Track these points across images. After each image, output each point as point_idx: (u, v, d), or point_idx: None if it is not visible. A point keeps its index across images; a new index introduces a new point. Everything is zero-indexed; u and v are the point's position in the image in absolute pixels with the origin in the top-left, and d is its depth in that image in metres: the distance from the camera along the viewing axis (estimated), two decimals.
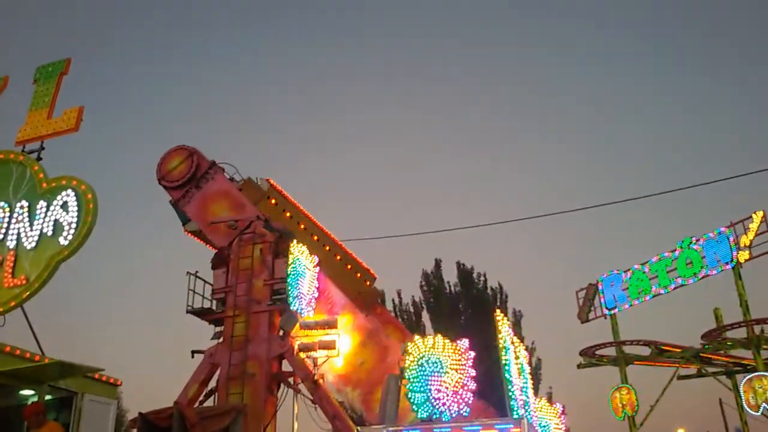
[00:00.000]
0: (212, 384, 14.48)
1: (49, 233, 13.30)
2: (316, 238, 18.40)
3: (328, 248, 18.89)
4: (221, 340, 14.72)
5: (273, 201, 17.18)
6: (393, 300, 34.03)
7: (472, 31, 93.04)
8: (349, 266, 20.07)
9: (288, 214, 17.56)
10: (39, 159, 14.68)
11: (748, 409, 21.97)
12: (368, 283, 20.71)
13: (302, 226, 17.93)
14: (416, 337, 13.07)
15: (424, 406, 12.08)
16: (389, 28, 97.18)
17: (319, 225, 18.81)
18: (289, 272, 14.64)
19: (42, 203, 13.67)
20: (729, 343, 23.72)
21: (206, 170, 16.58)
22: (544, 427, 16.08)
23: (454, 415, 11.98)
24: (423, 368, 12.35)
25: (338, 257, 19.61)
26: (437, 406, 12.01)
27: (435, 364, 12.39)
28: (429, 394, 12.15)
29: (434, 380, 12.27)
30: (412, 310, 33.97)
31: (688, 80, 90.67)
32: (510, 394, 13.65)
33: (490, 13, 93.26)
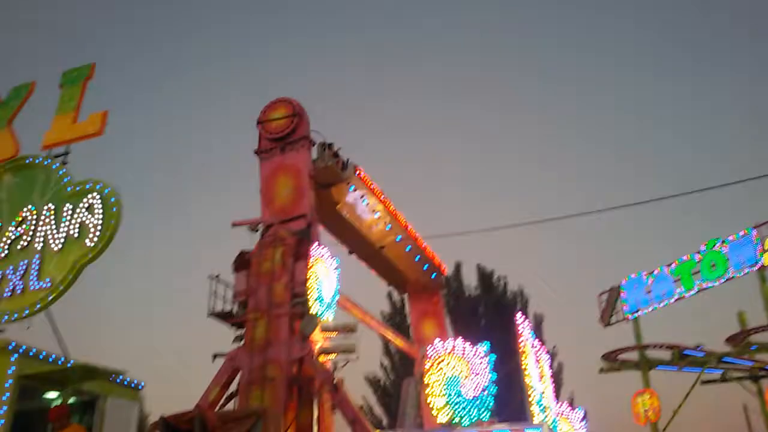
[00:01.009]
0: (233, 387, 14.57)
1: (75, 235, 13.44)
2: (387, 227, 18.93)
3: (398, 237, 19.56)
4: (242, 343, 14.80)
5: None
6: None
7: (499, 28, 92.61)
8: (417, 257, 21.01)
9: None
10: (65, 163, 14.85)
11: None
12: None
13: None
14: (436, 340, 13.08)
15: (444, 410, 12.08)
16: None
17: (397, 218, 19.39)
18: (309, 275, 14.68)
19: (68, 206, 13.82)
20: (753, 347, 23.39)
21: (298, 138, 16.74)
22: (566, 431, 15.99)
23: (474, 419, 11.97)
24: (443, 372, 12.35)
25: (407, 248, 20.22)
26: (457, 411, 12.01)
27: (454, 369, 12.39)
28: (449, 399, 12.15)
29: (454, 384, 12.27)
30: None
31: (712, 79, 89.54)
32: (531, 398, 13.60)
33: (523, 9, 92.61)
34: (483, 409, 12.16)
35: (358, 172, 17.21)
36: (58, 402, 11.81)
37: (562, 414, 16.25)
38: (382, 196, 18.46)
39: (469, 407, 12.18)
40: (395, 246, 20.09)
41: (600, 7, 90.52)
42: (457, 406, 12.19)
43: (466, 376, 12.39)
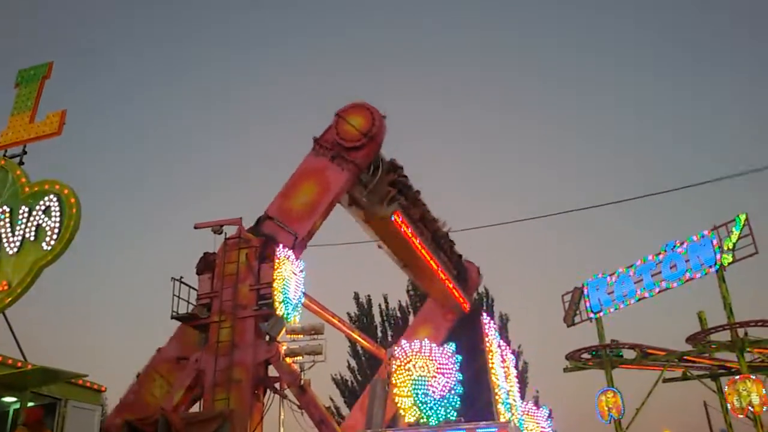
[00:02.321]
0: (198, 390, 14.37)
1: (32, 238, 13.14)
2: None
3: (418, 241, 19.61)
4: (207, 345, 14.61)
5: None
6: (380, 305, 33.97)
7: (470, 19, 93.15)
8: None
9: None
10: (21, 163, 14.51)
11: (732, 412, 22.12)
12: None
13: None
14: (403, 341, 13.05)
15: (411, 410, 12.06)
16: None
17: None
18: (275, 277, 14.55)
19: (24, 208, 13.50)
20: (713, 346, 23.89)
21: (351, 160, 16.17)
22: (531, 430, 16.10)
23: (441, 419, 11.97)
24: (410, 372, 12.33)
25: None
26: (424, 411, 12.00)
27: (422, 369, 12.38)
28: (416, 399, 12.14)
29: (421, 384, 12.26)
30: (399, 314, 33.90)
31: (675, 82, 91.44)
32: (497, 397, 13.66)
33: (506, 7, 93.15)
34: (450, 409, 12.16)
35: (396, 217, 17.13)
36: (17, 407, 11.53)
37: (528, 413, 16.36)
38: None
39: (436, 407, 12.17)
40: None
41: (599, 7, 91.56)
42: (424, 406, 12.17)
43: (433, 377, 12.38)
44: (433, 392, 12.28)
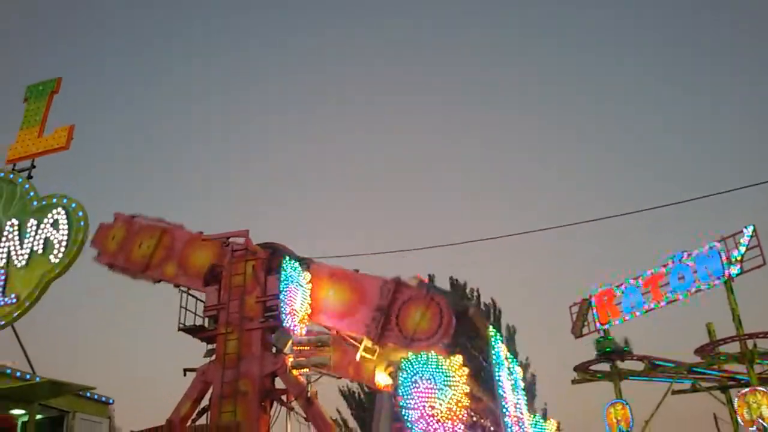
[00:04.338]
0: (205, 402, 14.38)
1: (40, 251, 13.26)
2: None
3: None
4: (213, 357, 14.63)
5: None
6: None
7: (474, 33, 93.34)
8: None
9: None
10: (30, 177, 14.64)
11: (742, 424, 21.95)
12: None
13: None
14: (409, 353, 13.03)
15: (418, 423, 12.02)
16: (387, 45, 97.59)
17: None
18: (281, 289, 14.56)
19: (32, 221, 13.63)
20: (722, 358, 23.76)
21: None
22: None
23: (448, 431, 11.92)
24: (416, 385, 12.30)
25: None
26: (431, 423, 11.96)
27: (428, 381, 12.35)
28: (423, 411, 12.10)
29: (428, 397, 12.23)
30: None
31: (683, 96, 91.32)
32: (504, 410, 13.62)
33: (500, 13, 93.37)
34: (457, 422, 12.12)
35: None
36: (25, 419, 11.59)
37: (535, 425, 16.29)
38: None
39: (443, 419, 12.13)
40: None
41: (599, 7, 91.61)
42: (431, 419, 12.13)
43: (440, 389, 12.36)
44: (440, 405, 12.24)
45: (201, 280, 15.68)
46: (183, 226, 16.75)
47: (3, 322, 12.85)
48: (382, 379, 15.17)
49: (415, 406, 12.13)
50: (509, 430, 13.28)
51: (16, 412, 11.83)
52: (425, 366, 12.51)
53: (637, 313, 26.21)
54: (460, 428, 12.01)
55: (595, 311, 27.57)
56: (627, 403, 25.30)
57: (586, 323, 28.03)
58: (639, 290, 26.34)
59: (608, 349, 25.88)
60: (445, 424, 11.97)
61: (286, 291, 14.53)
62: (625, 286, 26.86)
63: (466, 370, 12.64)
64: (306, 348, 14.56)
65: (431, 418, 11.98)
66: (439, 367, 12.51)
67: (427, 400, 12.17)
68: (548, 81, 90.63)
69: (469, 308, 15.92)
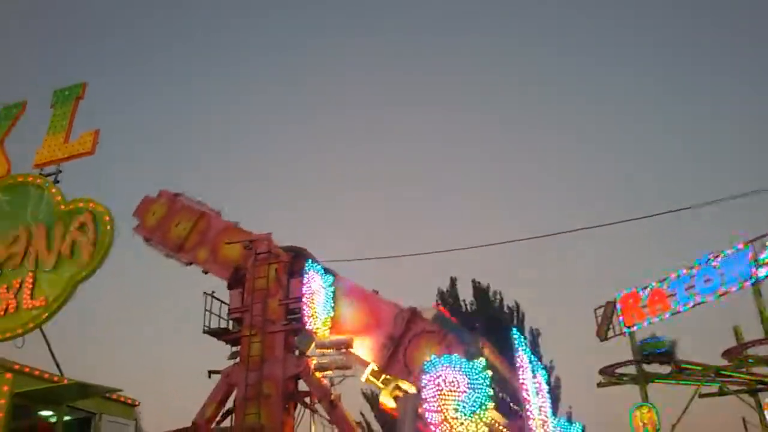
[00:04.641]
0: (229, 404, 14.47)
1: (68, 254, 13.44)
2: None
3: None
4: (237, 360, 14.73)
5: None
6: None
7: (488, 42, 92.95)
8: None
9: None
10: (56, 182, 14.86)
11: None
12: None
13: None
14: (432, 355, 13.00)
15: (442, 425, 11.99)
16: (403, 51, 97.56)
17: None
18: (304, 292, 14.62)
19: (60, 225, 13.83)
20: (750, 361, 23.40)
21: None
22: None
23: None
24: (440, 387, 12.27)
25: None
26: (455, 425, 11.92)
27: (452, 384, 12.31)
28: (446, 414, 12.07)
29: (451, 399, 12.19)
30: None
31: (714, 88, 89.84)
32: (528, 413, 13.53)
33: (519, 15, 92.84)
34: (480, 424, 12.07)
35: None
36: (53, 420, 11.74)
37: (560, 429, 16.17)
38: None
39: (466, 422, 12.09)
40: None
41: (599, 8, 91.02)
42: (455, 422, 12.09)
43: (464, 392, 12.31)
44: (464, 407, 12.19)
45: (228, 271, 15.84)
46: (221, 213, 16.97)
47: (33, 324, 13.05)
48: (388, 401, 15.19)
49: (439, 408, 12.10)
50: None
51: (44, 413, 12.00)
52: (449, 369, 12.48)
53: (664, 316, 25.88)
54: (483, 430, 11.96)
55: (620, 315, 27.28)
56: (654, 407, 25.00)
57: (611, 326, 27.77)
58: (665, 293, 25.96)
59: (664, 349, 25.31)
60: (468, 427, 11.93)
61: (308, 294, 14.61)
62: (650, 289, 26.52)
63: (490, 373, 12.59)
64: (329, 350, 14.62)
65: (455, 421, 11.94)
66: (464, 369, 12.47)
67: (450, 402, 12.14)
68: (549, 82, 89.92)
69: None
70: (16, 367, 11.19)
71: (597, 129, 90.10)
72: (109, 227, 13.42)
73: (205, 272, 16.40)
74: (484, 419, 12.01)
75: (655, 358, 25.38)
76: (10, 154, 15.95)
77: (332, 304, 15.32)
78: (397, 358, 14.01)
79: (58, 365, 12.94)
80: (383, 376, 14.78)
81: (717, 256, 24.25)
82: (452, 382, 12.38)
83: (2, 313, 13.36)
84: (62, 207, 14.20)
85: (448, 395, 12.24)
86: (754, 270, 22.84)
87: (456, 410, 12.09)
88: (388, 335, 14.21)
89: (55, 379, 11.81)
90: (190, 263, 16.65)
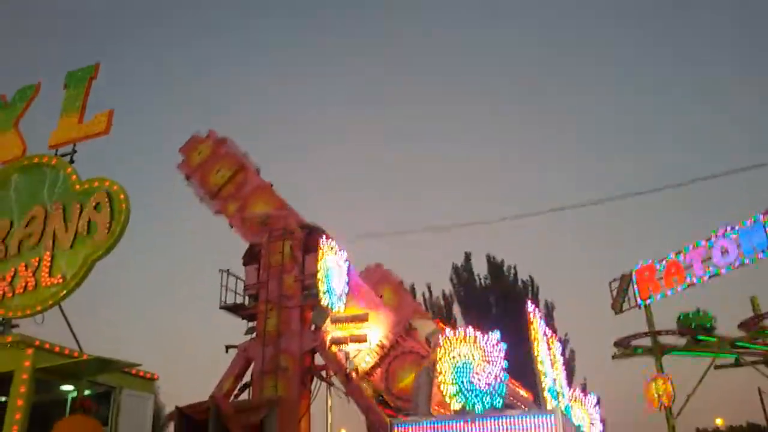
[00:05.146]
0: (246, 378, 14.66)
1: (84, 233, 13.56)
2: None
3: None
4: (254, 335, 14.88)
5: None
6: (423, 294, 34.02)
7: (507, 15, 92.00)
8: None
9: None
10: (72, 162, 14.96)
11: None
12: None
13: None
14: (447, 329, 13.05)
15: (457, 397, 12.07)
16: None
17: None
18: (319, 268, 14.70)
19: (76, 204, 13.95)
20: (767, 332, 23.31)
21: None
22: (580, 417, 15.95)
23: (486, 407, 11.94)
24: (454, 360, 12.33)
25: None
26: (470, 398, 11.99)
27: (466, 356, 12.36)
28: (461, 386, 12.13)
29: (466, 372, 12.24)
30: (442, 303, 33.92)
31: (719, 67, 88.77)
32: (543, 385, 13.57)
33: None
34: (496, 397, 12.13)
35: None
36: (74, 395, 11.96)
37: (575, 400, 16.19)
38: None
39: (481, 395, 12.15)
40: None
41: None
42: (470, 394, 12.15)
43: (478, 364, 12.35)
44: (479, 380, 12.25)
45: (251, 232, 15.95)
46: (259, 171, 17.01)
47: (51, 302, 13.24)
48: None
49: (454, 380, 12.17)
50: (548, 404, 13.22)
51: (65, 388, 12.21)
52: (463, 341, 12.53)
53: (679, 288, 25.78)
54: (498, 404, 12.02)
55: (635, 287, 27.23)
56: (669, 378, 25.02)
57: (626, 299, 27.73)
58: (681, 265, 25.82)
59: (705, 323, 25.21)
60: (484, 399, 12.00)
61: (323, 270, 14.69)
62: (666, 261, 26.39)
63: (505, 346, 12.63)
64: (345, 324, 14.75)
65: (470, 393, 12.01)
66: (477, 342, 12.51)
67: (465, 375, 12.20)
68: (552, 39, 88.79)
69: None
70: (37, 343, 11.37)
71: (613, 97, 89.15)
72: (124, 206, 13.51)
73: (230, 226, 16.49)
74: (498, 391, 12.06)
75: (699, 332, 25.25)
76: (25, 136, 16.07)
77: (347, 280, 15.45)
78: (381, 366, 14.37)
79: (77, 341, 13.13)
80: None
81: (734, 228, 24.08)
82: (466, 354, 12.43)
83: (21, 290, 13.55)
84: (78, 187, 14.30)
85: (462, 368, 12.30)
86: None
87: (471, 382, 12.14)
88: (378, 340, 14.68)
89: (75, 354, 12.00)
90: (219, 212, 16.78)
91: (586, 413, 16.23)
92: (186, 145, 17.73)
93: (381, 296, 16.67)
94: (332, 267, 14.99)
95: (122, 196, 13.66)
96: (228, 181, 16.72)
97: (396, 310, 15.11)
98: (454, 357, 12.38)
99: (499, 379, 12.22)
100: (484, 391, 12.09)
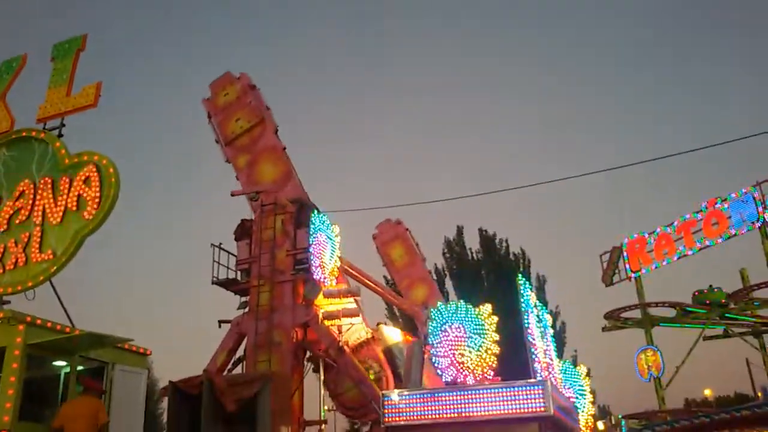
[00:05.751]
0: (240, 352, 14.73)
1: (74, 208, 13.48)
2: None
3: None
4: (247, 309, 14.92)
5: None
6: None
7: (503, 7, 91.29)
8: None
9: None
10: (60, 135, 14.81)
11: None
12: None
13: None
14: (439, 303, 13.12)
15: (449, 370, 12.18)
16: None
17: None
18: (311, 242, 14.72)
19: (65, 179, 13.84)
20: (756, 303, 23.57)
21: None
22: (569, 389, 16.14)
23: (478, 378, 12.06)
24: (447, 334, 12.42)
25: None
26: (461, 370, 12.10)
27: (458, 330, 12.46)
28: (453, 359, 12.24)
29: (458, 345, 12.34)
30: (435, 277, 34.06)
31: (705, 42, 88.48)
32: (533, 357, 13.70)
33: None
34: (487, 369, 12.25)
35: None
36: (67, 371, 11.98)
37: (565, 372, 16.38)
38: None
39: (473, 367, 12.27)
40: None
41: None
42: (460, 366, 12.27)
43: (469, 337, 12.46)
44: (470, 353, 12.36)
45: (255, 187, 15.82)
46: (278, 130, 16.80)
47: (42, 278, 13.20)
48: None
49: (445, 354, 12.26)
50: (538, 376, 13.36)
51: (58, 363, 12.22)
52: (455, 314, 12.61)
53: (672, 259, 25.95)
54: (489, 375, 12.13)
55: (626, 260, 27.40)
56: (658, 349, 25.32)
57: (617, 271, 27.93)
58: (672, 237, 25.99)
59: (719, 299, 25.22)
60: (474, 372, 12.10)
61: (315, 244, 14.71)
62: (657, 233, 26.54)
63: (496, 319, 12.72)
64: (337, 299, 14.81)
65: (461, 366, 12.11)
66: (469, 315, 12.60)
67: (456, 348, 12.30)
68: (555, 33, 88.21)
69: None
70: (28, 319, 11.34)
71: (603, 76, 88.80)
72: (113, 179, 13.39)
73: (237, 179, 16.44)
74: (489, 362, 12.18)
75: (714, 309, 25.36)
76: (13, 109, 15.87)
77: (339, 254, 15.48)
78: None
79: (69, 317, 13.12)
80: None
81: (724, 200, 24.18)
82: (458, 328, 12.53)
83: (12, 266, 13.49)
84: (67, 161, 14.16)
85: (454, 340, 12.40)
86: (761, 210, 22.79)
87: (462, 355, 12.25)
88: None
89: (67, 330, 11.98)
90: (228, 161, 16.66)
91: (576, 383, 16.43)
92: (216, 82, 17.30)
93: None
94: (323, 242, 15.00)
95: (111, 170, 13.54)
96: (245, 132, 16.53)
97: (404, 268, 15.00)
98: (445, 330, 12.48)
99: (489, 352, 12.35)
100: (475, 363, 12.22)
